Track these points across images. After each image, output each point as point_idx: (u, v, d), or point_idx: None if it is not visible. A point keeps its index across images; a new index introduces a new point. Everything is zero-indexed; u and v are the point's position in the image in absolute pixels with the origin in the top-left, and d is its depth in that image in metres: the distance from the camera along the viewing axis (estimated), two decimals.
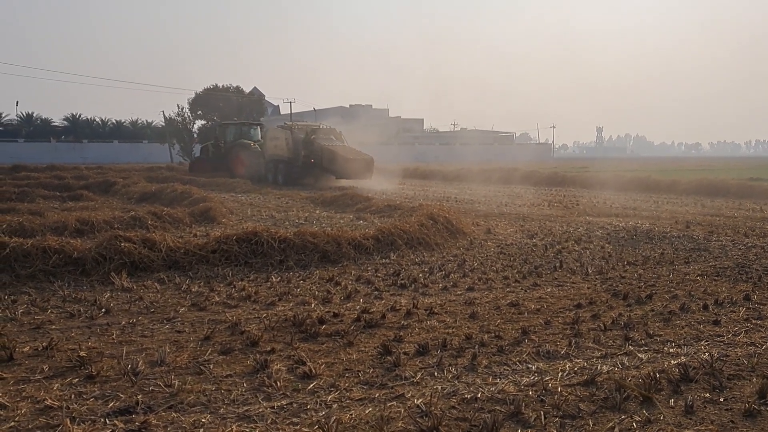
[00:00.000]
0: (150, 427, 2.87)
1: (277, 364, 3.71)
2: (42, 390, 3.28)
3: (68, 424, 2.84)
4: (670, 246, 8.48)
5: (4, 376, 3.49)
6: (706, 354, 3.93)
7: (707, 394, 3.31)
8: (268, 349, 4.00)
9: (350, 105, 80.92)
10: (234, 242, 6.95)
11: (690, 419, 3.02)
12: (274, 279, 6.19)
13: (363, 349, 4.06)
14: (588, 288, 5.95)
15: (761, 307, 5.22)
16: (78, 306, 5.07)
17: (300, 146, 21.65)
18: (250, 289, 5.70)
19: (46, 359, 3.78)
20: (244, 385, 3.41)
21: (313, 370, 3.56)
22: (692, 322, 4.73)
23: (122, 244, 6.41)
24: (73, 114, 68.81)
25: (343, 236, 7.58)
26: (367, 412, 3.05)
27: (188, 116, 52.73)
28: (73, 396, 3.21)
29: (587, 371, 3.60)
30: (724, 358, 3.87)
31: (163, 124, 54.52)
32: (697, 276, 6.51)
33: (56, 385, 3.35)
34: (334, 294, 5.60)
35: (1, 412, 3.01)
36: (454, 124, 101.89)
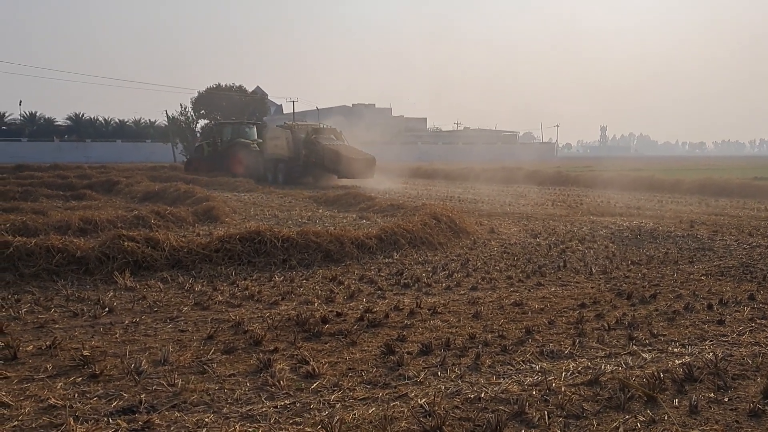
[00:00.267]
0: (153, 426, 2.87)
1: (280, 364, 3.71)
2: (45, 389, 3.29)
3: (71, 423, 2.84)
4: (675, 245, 8.46)
5: (8, 374, 3.50)
6: (711, 354, 3.91)
7: (712, 394, 3.29)
8: (271, 348, 4.00)
9: (353, 104, 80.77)
10: (237, 241, 6.95)
11: (694, 419, 3.00)
12: (277, 278, 6.19)
13: (366, 348, 4.05)
14: (592, 287, 5.93)
15: (766, 306, 5.20)
16: (81, 305, 5.07)
17: (300, 146, 21.85)
18: (253, 288, 5.70)
19: (49, 358, 3.78)
20: (248, 384, 3.41)
21: (317, 370, 3.56)
22: (696, 322, 4.71)
23: (125, 244, 6.43)
24: (76, 113, 69.03)
25: (346, 235, 7.58)
26: (370, 411, 3.04)
27: (191, 116, 52.70)
28: (76, 395, 3.21)
29: (591, 371, 3.58)
30: (729, 358, 3.85)
31: (166, 123, 54.57)
32: (701, 275, 6.49)
33: (60, 384, 3.35)
34: (337, 293, 5.60)
35: (5, 411, 3.01)
36: (457, 124, 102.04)
